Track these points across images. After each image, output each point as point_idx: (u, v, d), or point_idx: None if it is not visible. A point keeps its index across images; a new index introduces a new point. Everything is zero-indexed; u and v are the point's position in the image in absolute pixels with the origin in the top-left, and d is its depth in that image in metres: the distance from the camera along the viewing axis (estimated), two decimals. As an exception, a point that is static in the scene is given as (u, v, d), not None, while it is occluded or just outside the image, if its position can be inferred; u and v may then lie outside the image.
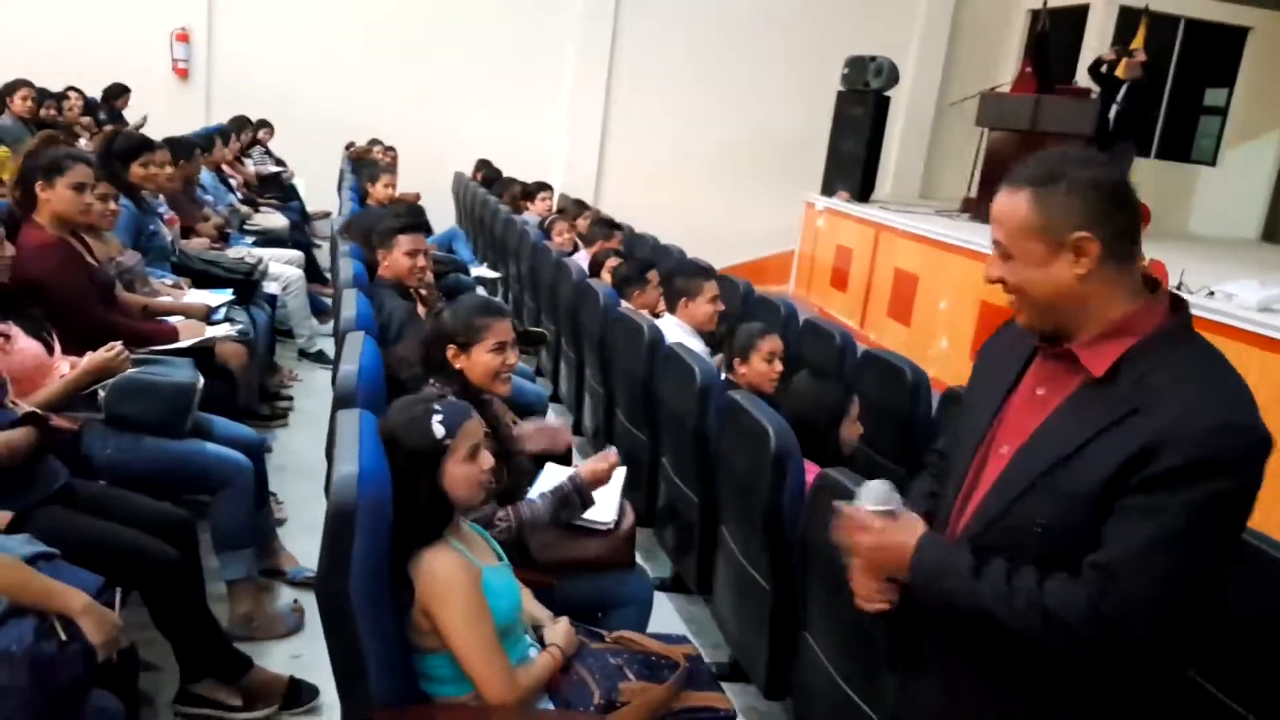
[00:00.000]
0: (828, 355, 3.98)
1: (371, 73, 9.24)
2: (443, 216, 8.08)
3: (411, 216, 3.26)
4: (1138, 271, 1.34)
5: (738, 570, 2.68)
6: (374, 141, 7.69)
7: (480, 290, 6.23)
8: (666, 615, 3.21)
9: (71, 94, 6.35)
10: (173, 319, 3.24)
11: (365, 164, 6.21)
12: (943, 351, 6.94)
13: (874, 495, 1.45)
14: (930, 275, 7.28)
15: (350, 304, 2.71)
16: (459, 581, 1.76)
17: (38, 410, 2.18)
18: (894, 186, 10.67)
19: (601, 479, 2.37)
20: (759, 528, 2.45)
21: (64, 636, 1.69)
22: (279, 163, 7.68)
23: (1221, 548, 1.25)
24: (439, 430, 1.81)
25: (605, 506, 2.45)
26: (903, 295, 7.61)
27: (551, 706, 1.90)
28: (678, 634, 2.25)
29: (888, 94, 9.10)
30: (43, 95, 6.05)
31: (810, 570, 2.18)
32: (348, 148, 7.72)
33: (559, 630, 2.01)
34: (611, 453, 2.41)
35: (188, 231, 4.59)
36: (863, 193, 9.05)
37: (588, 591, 2.39)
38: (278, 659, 2.65)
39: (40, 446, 2.17)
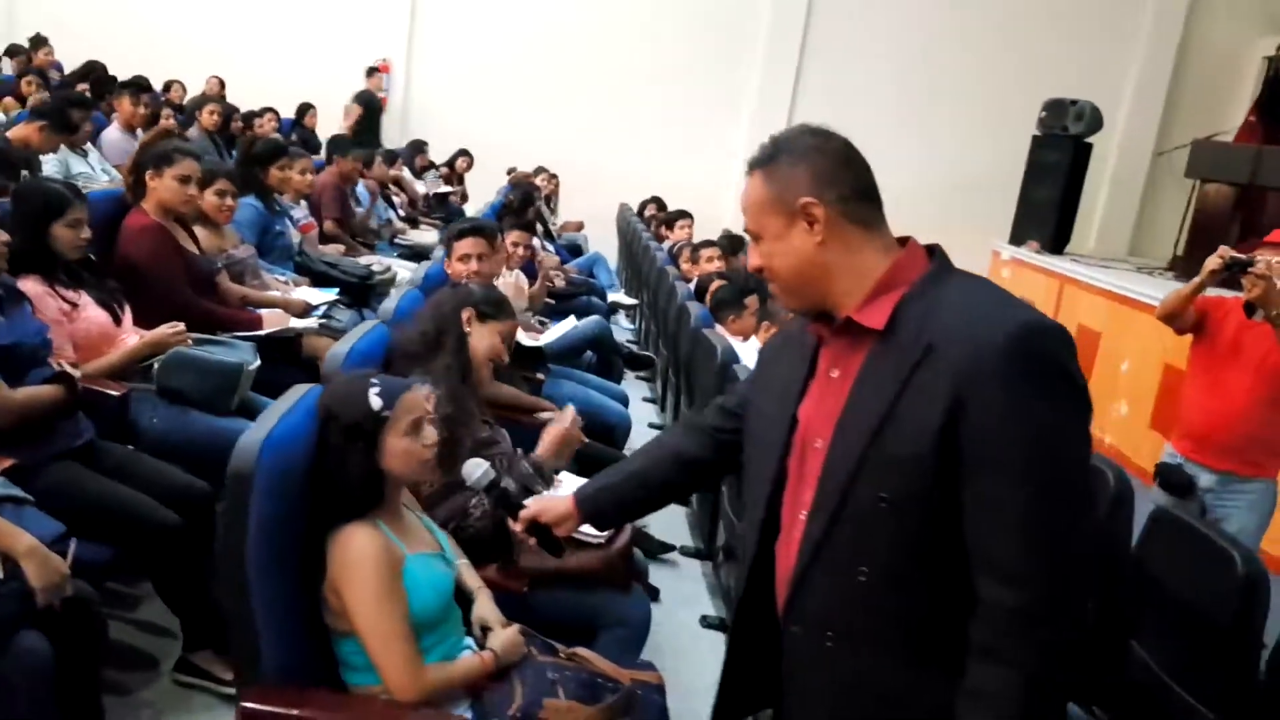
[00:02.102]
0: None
1: (552, 106, 9.60)
2: (607, 246, 8.21)
3: (476, 222, 3.28)
4: (885, 231, 1.34)
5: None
6: (539, 169, 7.93)
7: (620, 315, 6.26)
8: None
9: (267, 113, 6.94)
10: (266, 310, 3.39)
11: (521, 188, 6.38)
12: (1121, 418, 6.28)
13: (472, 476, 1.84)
14: (1114, 334, 6.64)
15: (394, 299, 2.74)
16: (371, 560, 1.69)
17: (68, 370, 2.32)
18: (1099, 240, 9.88)
19: (569, 441, 2.33)
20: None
21: (1, 574, 1.75)
22: (453, 181, 8.12)
23: (1082, 461, 1.22)
24: (376, 402, 1.76)
25: (601, 519, 2.31)
26: (1084, 354, 6.73)
27: (470, 714, 1.79)
28: (647, 660, 2.08)
29: (1089, 140, 8.47)
30: (230, 111, 6.65)
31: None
32: (509, 173, 8.00)
33: (502, 636, 1.89)
34: (569, 410, 2.36)
35: (327, 238, 4.85)
36: (1055, 244, 8.43)
37: (573, 607, 2.26)
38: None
39: (68, 404, 2.30)
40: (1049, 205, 8.37)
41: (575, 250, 7.13)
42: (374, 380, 1.79)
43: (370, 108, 9.01)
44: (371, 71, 9.32)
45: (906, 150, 9.68)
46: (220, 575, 1.62)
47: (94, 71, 6.79)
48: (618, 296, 5.88)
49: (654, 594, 3.35)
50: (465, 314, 2.43)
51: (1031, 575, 1.18)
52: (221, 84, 8.45)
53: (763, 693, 1.52)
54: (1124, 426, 6.18)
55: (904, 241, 1.34)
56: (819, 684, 1.37)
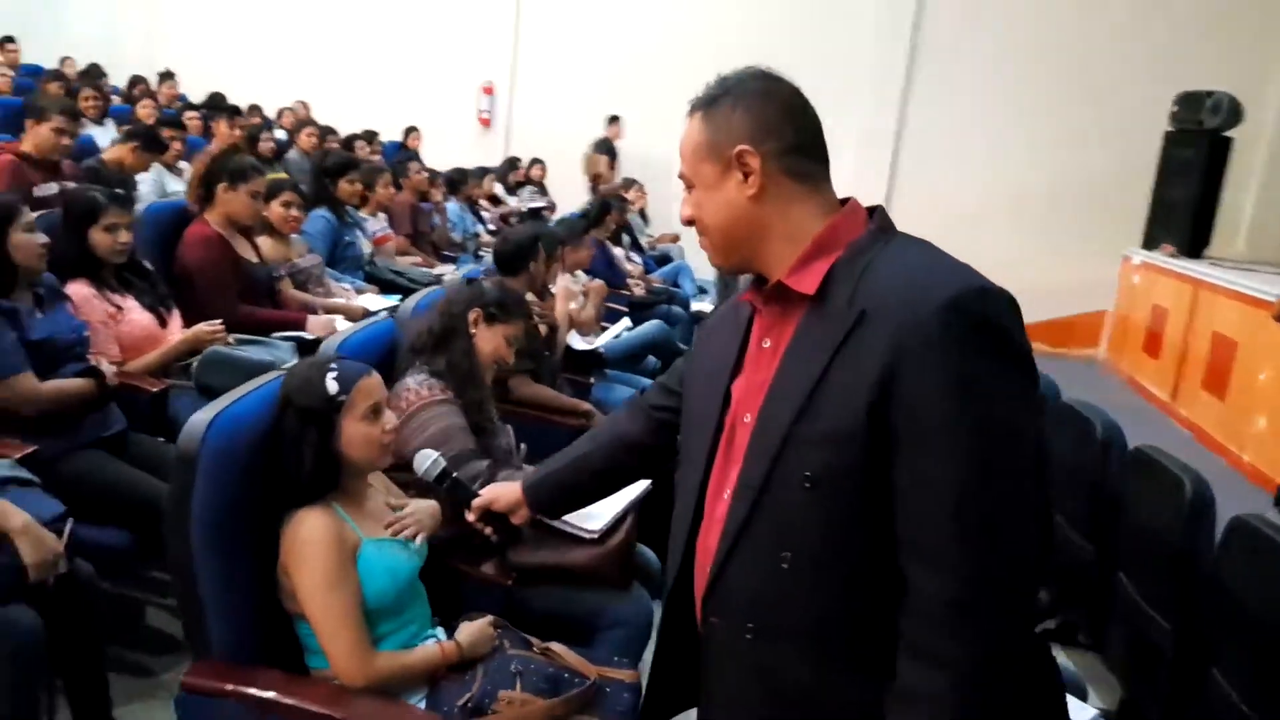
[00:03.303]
0: (1085, 450, 2.92)
1: (651, 121, 9.54)
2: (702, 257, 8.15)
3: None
4: (827, 190, 1.25)
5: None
6: (629, 181, 7.95)
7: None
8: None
9: (374, 138, 7.22)
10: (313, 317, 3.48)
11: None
12: (1259, 432, 5.76)
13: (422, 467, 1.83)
14: (1251, 341, 6.11)
15: (415, 298, 2.76)
16: (321, 543, 1.69)
17: (98, 366, 2.43)
18: (1249, 243, 9.12)
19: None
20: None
21: (-7, 550, 1.84)
22: (541, 191, 8.32)
23: (1026, 435, 1.11)
24: (332, 387, 1.76)
25: (598, 514, 2.25)
26: (1219, 364, 6.46)
27: (423, 703, 1.75)
28: (625, 660, 1.99)
29: (1228, 134, 7.87)
30: (327, 133, 6.95)
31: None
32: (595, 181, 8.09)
33: (470, 627, 1.87)
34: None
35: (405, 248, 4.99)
36: (1192, 247, 7.85)
37: (567, 604, 2.19)
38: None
39: (96, 397, 2.41)
40: (1184, 206, 7.81)
41: (665, 261, 7.12)
42: (332, 366, 1.80)
43: (610, 155, 9.39)
44: (613, 119, 9.66)
45: (1027, 151, 9.27)
46: (167, 554, 1.65)
47: (214, 102, 7.26)
48: (701, 306, 5.82)
49: None
50: (473, 315, 2.41)
51: (965, 562, 1.07)
52: (305, 106, 9.01)
53: (690, 692, 1.43)
54: (1262, 441, 5.67)
55: (847, 203, 1.26)
56: (738, 680, 1.27)
